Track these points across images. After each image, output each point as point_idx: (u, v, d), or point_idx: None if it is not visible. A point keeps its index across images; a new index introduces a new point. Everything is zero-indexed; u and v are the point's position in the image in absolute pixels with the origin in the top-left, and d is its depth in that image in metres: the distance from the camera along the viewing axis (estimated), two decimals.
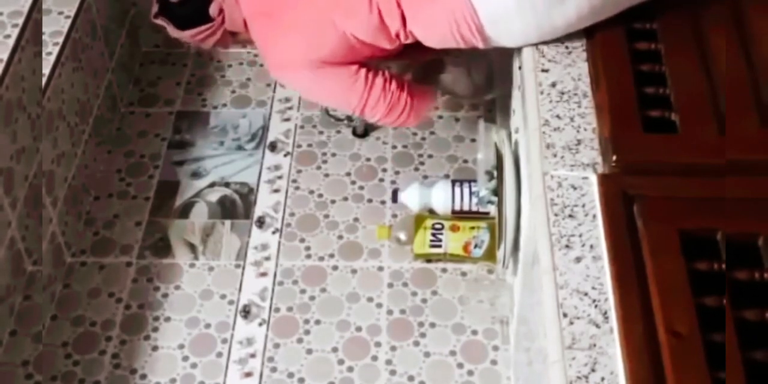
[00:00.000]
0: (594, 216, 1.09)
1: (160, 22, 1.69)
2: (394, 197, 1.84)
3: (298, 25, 1.54)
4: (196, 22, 1.66)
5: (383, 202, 1.88)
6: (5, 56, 1.52)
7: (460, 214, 1.76)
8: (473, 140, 1.97)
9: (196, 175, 1.95)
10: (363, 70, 1.57)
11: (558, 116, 1.23)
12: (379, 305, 1.70)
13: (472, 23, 1.37)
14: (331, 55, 1.54)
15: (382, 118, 1.62)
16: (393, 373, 1.60)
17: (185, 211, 1.88)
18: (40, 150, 1.63)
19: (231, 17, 1.64)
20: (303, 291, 1.73)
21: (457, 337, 1.65)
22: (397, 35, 1.48)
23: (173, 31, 1.70)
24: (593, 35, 1.33)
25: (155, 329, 1.67)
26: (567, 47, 1.35)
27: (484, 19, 1.36)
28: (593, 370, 0.95)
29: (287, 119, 2.06)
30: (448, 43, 1.45)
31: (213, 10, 1.63)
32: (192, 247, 1.81)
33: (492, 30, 1.37)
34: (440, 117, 2.04)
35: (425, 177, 1.92)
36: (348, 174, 1.94)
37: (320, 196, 1.90)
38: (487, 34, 1.39)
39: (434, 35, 1.47)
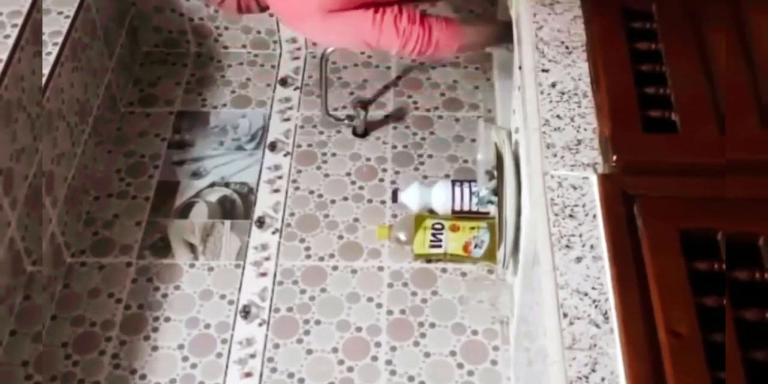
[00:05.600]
0: (594, 216, 1.09)
1: None
2: (394, 197, 1.84)
3: None
4: None
5: (383, 202, 1.88)
6: (5, 56, 1.52)
7: (460, 214, 1.76)
8: (473, 140, 1.97)
9: (196, 175, 1.95)
10: (370, 11, 1.62)
11: (558, 116, 1.23)
12: (379, 305, 1.70)
13: None
14: (342, 2, 1.60)
15: (399, 51, 1.68)
16: (393, 373, 1.60)
17: (185, 211, 1.87)
18: (40, 150, 1.63)
19: None
20: (303, 291, 1.73)
21: (457, 337, 1.65)
22: None
23: None
24: (593, 35, 1.33)
25: (155, 329, 1.67)
26: (567, 47, 1.34)
27: None
28: (593, 371, 0.95)
29: (287, 119, 2.06)
30: None
31: None
32: (192, 247, 1.81)
33: None
34: (440, 117, 2.04)
35: (425, 177, 1.92)
36: (348, 174, 1.94)
37: (320, 196, 1.90)
38: None
39: None
